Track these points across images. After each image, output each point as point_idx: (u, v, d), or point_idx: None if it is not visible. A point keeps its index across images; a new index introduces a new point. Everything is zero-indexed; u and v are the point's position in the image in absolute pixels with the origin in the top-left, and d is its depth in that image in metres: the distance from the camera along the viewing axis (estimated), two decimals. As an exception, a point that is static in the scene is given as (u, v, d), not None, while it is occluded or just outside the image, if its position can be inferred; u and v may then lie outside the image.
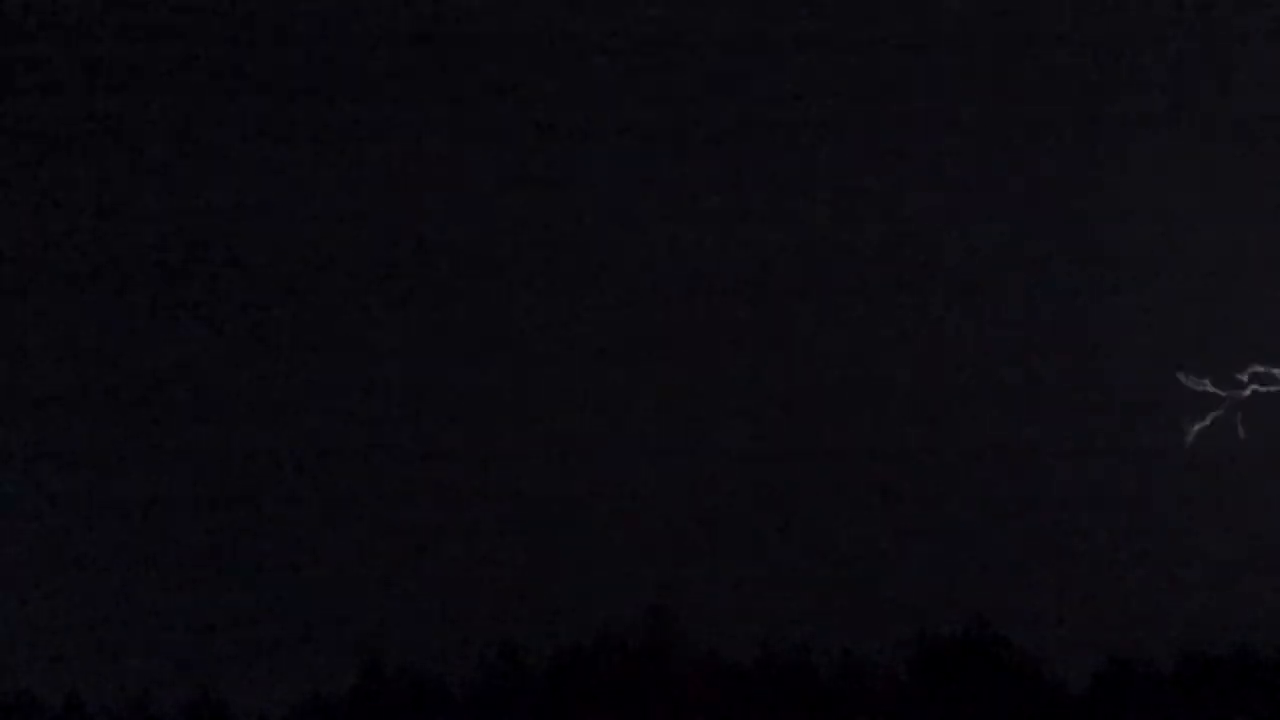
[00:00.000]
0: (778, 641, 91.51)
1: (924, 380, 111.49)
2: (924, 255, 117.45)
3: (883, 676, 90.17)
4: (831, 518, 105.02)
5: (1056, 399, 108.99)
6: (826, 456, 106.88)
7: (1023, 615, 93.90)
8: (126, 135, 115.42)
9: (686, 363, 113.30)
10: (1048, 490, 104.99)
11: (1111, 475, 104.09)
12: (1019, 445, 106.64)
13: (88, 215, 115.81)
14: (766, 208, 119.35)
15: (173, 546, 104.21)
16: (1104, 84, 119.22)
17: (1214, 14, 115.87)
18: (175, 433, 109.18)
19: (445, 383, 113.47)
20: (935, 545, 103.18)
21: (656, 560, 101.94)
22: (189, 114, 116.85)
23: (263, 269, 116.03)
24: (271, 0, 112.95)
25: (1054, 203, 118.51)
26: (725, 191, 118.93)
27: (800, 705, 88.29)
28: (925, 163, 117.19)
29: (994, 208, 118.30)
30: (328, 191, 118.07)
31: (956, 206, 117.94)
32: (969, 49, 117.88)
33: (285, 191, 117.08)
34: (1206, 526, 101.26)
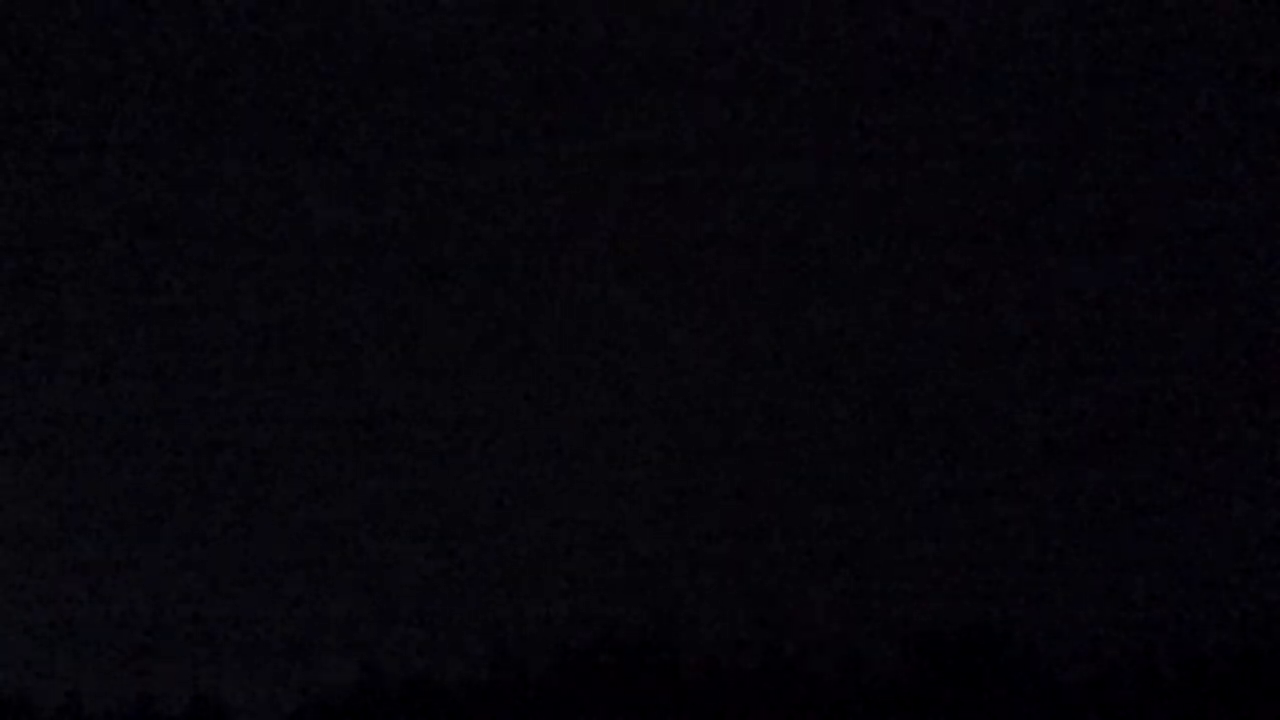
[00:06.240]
0: (778, 641, 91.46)
1: (923, 379, 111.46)
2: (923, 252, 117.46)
3: (882, 676, 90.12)
4: (832, 516, 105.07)
5: (1058, 397, 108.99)
6: (827, 452, 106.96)
7: (1022, 615, 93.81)
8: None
9: (685, 358, 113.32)
10: (1049, 490, 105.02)
11: (1112, 474, 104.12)
12: (1020, 444, 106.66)
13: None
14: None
15: (172, 545, 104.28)
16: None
17: None
18: (174, 429, 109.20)
19: (442, 380, 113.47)
20: (935, 545, 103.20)
21: (656, 560, 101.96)
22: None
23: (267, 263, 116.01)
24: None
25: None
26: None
27: (800, 705, 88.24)
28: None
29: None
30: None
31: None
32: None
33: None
34: (1206, 526, 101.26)
